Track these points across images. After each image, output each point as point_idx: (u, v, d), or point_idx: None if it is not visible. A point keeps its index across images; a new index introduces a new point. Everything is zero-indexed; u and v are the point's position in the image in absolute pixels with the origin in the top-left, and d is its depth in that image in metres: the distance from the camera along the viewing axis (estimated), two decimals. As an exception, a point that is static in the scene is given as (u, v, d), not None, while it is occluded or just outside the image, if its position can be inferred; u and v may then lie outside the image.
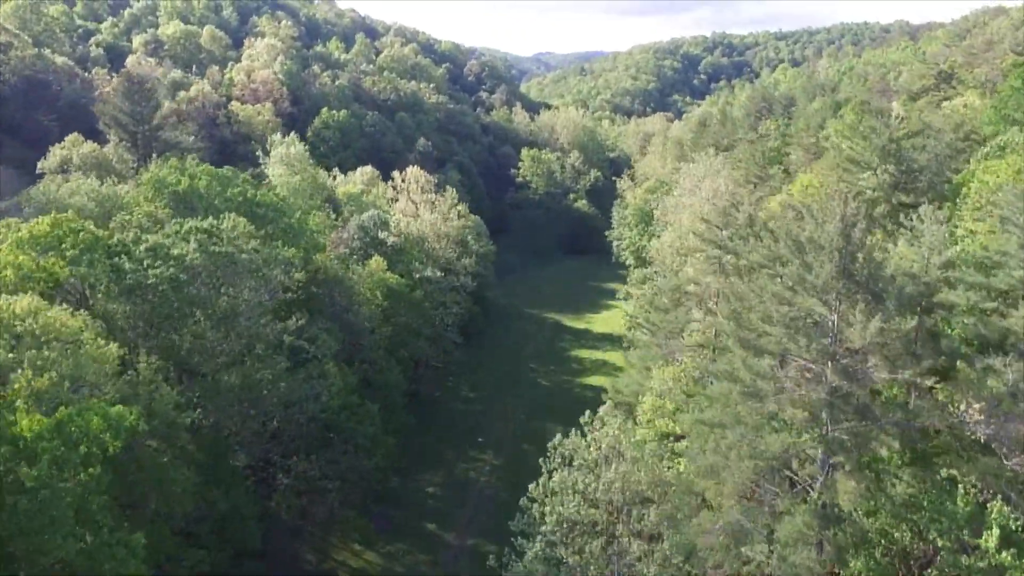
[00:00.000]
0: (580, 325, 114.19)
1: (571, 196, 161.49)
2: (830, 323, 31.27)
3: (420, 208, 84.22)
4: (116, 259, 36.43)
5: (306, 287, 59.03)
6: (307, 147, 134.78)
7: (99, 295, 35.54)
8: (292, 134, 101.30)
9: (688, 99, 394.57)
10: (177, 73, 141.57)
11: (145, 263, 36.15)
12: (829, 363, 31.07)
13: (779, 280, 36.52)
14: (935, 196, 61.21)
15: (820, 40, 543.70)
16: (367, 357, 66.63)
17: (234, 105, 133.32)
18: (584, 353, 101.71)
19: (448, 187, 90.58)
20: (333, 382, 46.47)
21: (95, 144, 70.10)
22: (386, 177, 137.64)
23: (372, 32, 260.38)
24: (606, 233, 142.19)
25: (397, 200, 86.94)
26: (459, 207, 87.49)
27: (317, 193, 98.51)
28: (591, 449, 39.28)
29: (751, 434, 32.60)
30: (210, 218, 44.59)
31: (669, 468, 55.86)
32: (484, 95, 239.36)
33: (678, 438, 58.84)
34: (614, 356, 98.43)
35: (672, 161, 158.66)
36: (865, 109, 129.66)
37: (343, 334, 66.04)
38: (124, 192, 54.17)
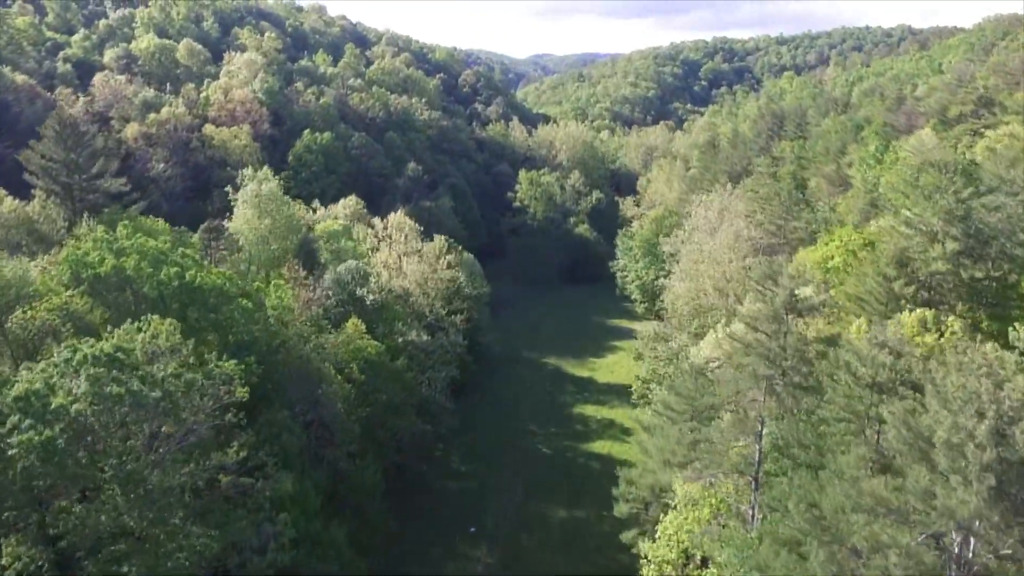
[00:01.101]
0: (583, 372, 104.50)
1: (571, 220, 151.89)
2: (968, 551, 21.65)
3: (404, 262, 74.57)
4: (-29, 414, 27.10)
5: (263, 378, 49.37)
6: (288, 173, 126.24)
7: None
8: (264, 169, 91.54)
9: (689, 106, 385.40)
10: (149, 92, 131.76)
11: (11, 421, 26.71)
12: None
13: (868, 447, 26.85)
14: (1012, 267, 51.76)
15: (822, 44, 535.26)
16: (340, 451, 57.09)
17: (208, 128, 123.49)
18: (589, 410, 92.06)
19: (437, 236, 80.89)
20: (283, 530, 36.82)
21: (16, 201, 60.34)
22: (372, 206, 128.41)
23: (363, 41, 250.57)
24: (610, 264, 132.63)
25: (378, 250, 77.31)
26: (449, 257, 77.95)
27: (292, 234, 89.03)
28: None
29: None
30: (121, 330, 34.97)
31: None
32: (480, 107, 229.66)
33: (704, 561, 49.54)
34: (622, 414, 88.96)
35: (679, 184, 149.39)
36: (888, 134, 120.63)
37: (312, 416, 56.58)
38: (37, 272, 44.60)
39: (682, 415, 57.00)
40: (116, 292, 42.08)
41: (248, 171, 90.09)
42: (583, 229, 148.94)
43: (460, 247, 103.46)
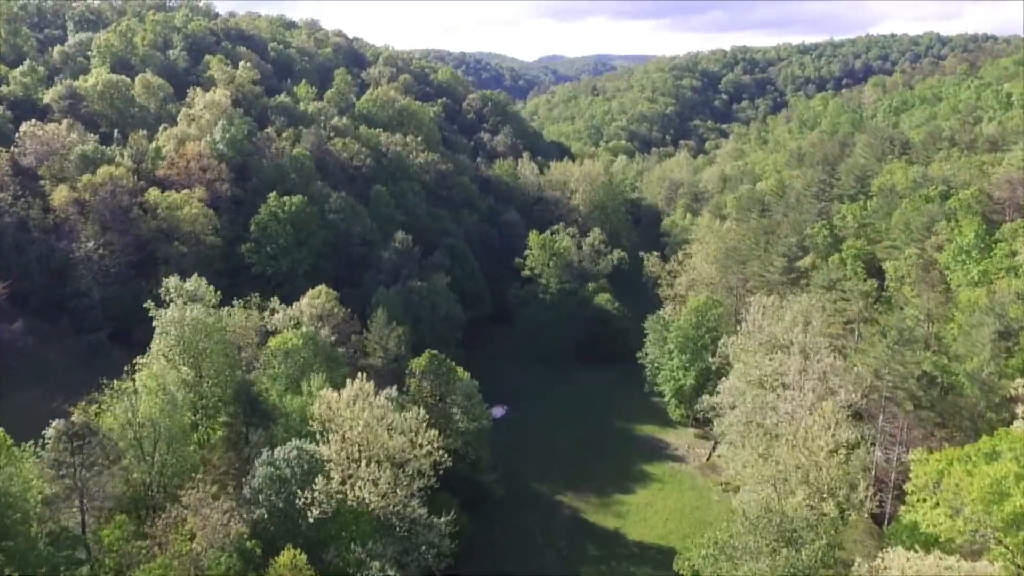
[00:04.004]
0: (608, 521, 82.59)
1: (590, 286, 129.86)
2: None
3: (363, 459, 52.66)
4: None
5: None
6: (249, 246, 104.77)
7: None
8: (194, 278, 69.84)
9: (710, 123, 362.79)
10: (89, 145, 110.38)
11: None
12: None
13: None
14: None
15: (846, 53, 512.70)
16: None
17: (152, 193, 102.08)
18: (618, 594, 70.33)
19: (413, 407, 59.11)
20: None
21: None
22: (351, 286, 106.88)
23: (359, 60, 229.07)
24: (637, 355, 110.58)
25: (332, 426, 55.33)
26: (428, 433, 56.40)
27: (230, 368, 67.69)
28: None
29: None
30: None
31: None
32: (486, 136, 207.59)
33: None
34: (663, 606, 67.28)
35: (716, 245, 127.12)
36: (984, 208, 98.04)
37: None
38: None
39: None
40: None
41: (172, 282, 68.40)
42: (603, 299, 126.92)
43: (453, 362, 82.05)
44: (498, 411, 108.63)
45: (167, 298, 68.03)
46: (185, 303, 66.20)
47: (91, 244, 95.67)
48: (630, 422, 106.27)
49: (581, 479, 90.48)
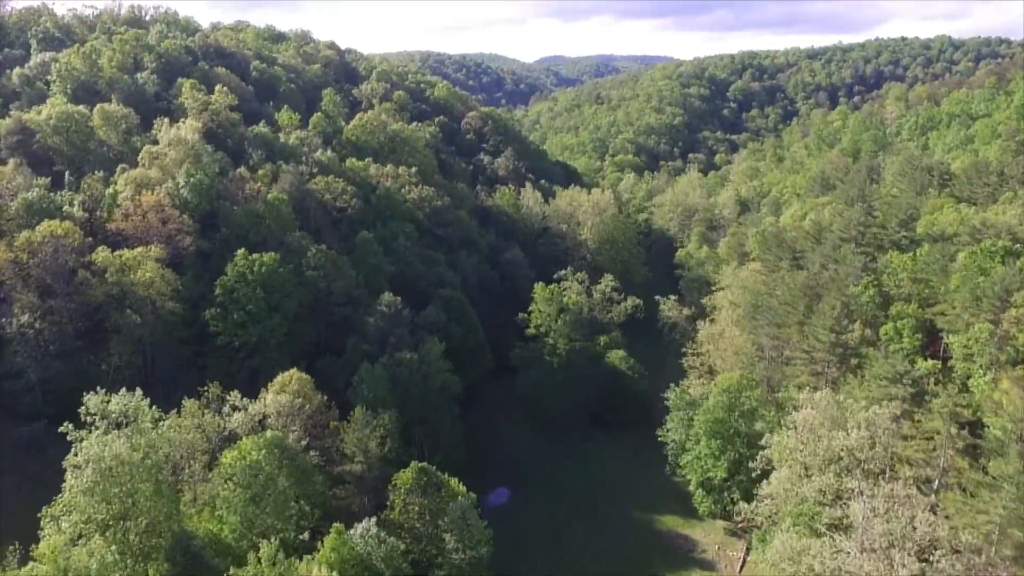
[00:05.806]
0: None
1: (601, 340, 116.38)
2: None
3: None
4: None
5: None
6: (214, 312, 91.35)
7: None
8: (123, 394, 56.23)
9: (719, 134, 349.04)
10: (34, 192, 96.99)
11: None
12: None
13: None
14: None
15: (856, 58, 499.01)
16: None
17: (100, 254, 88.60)
18: None
19: None
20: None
21: None
22: (331, 355, 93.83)
23: (352, 75, 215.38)
24: (658, 433, 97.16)
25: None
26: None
27: (168, 513, 54.49)
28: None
29: None
30: None
31: None
32: (486, 159, 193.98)
33: None
34: None
35: (742, 289, 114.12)
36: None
37: None
38: None
39: None
40: None
41: (93, 400, 54.99)
42: (616, 357, 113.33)
43: (446, 477, 68.82)
44: (499, 496, 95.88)
45: (87, 420, 54.72)
46: (108, 428, 52.94)
47: (26, 317, 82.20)
48: (650, 511, 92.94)
49: (597, 598, 77.27)
